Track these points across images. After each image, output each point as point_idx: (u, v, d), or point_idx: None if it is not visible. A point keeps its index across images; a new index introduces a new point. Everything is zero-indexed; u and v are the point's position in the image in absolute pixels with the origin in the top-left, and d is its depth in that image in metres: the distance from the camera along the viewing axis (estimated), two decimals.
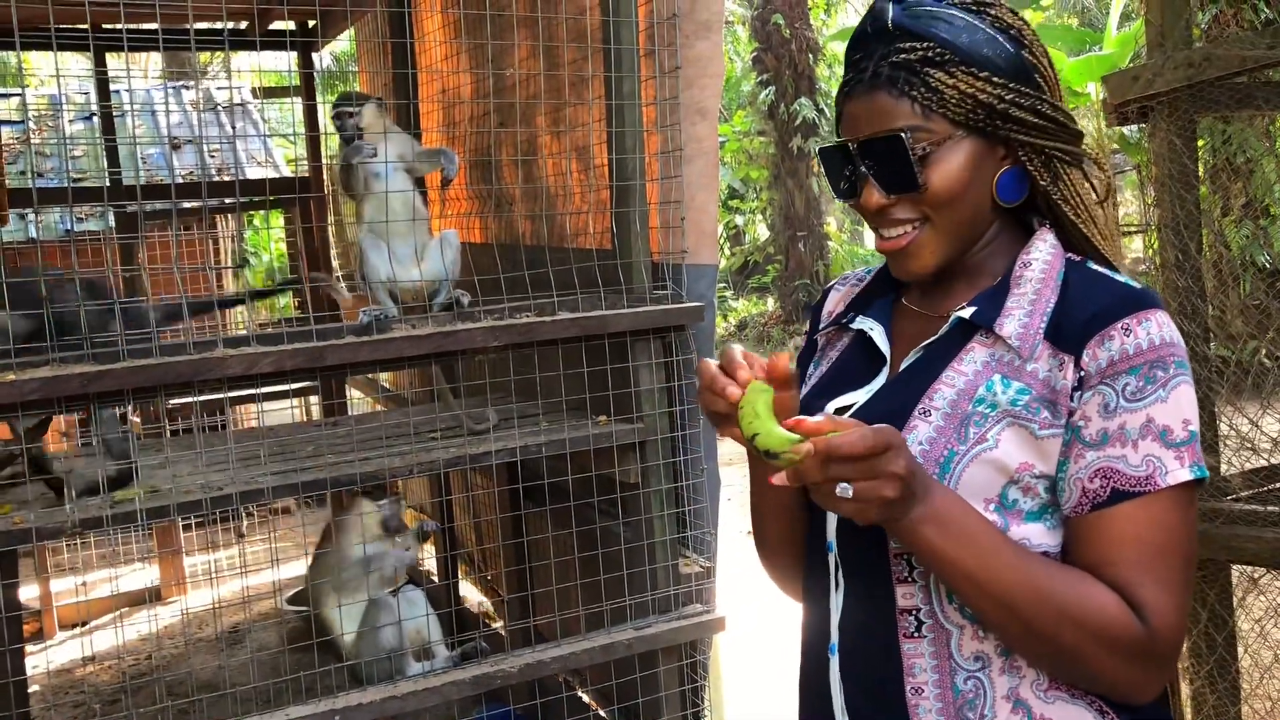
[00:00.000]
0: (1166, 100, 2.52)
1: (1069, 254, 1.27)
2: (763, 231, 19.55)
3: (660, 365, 2.95)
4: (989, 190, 1.25)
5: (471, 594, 4.94)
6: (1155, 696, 1.17)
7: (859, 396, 1.31)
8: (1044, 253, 1.26)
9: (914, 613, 1.20)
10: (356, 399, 6.31)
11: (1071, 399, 1.15)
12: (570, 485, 3.03)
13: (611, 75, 2.89)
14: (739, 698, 4.48)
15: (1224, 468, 2.63)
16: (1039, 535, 1.17)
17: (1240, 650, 2.78)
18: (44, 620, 5.43)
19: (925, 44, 1.21)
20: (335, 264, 5.87)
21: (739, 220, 19.55)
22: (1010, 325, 1.21)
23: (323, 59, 11.50)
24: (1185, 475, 1.12)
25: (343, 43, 9.09)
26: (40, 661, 4.83)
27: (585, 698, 3.55)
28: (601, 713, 3.38)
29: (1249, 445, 2.68)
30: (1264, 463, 2.71)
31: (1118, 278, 1.22)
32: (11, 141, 8.06)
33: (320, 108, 6.74)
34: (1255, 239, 8.27)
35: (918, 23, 1.22)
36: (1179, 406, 1.13)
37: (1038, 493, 1.17)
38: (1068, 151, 1.26)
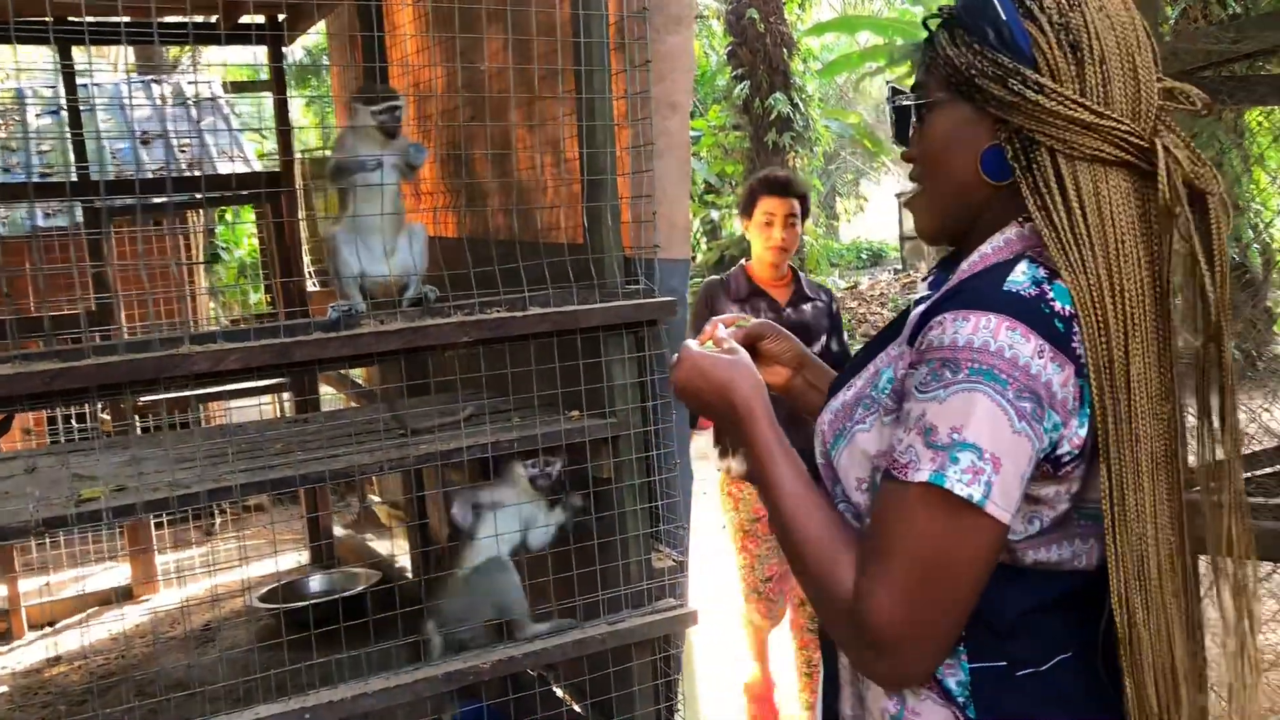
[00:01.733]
0: None
1: (1029, 252, 1.17)
2: (737, 226, 19.55)
3: (633, 360, 2.95)
4: (973, 163, 1.20)
5: None
6: (887, 685, 1.19)
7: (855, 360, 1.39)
8: (992, 244, 1.20)
9: None
10: (329, 395, 6.28)
11: (906, 383, 1.17)
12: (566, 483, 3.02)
13: (581, 69, 2.87)
14: (712, 691, 4.49)
15: (1192, 460, 2.65)
16: None
17: (1207, 639, 2.80)
18: (12, 621, 5.36)
19: (949, 6, 1.22)
20: (307, 259, 5.82)
21: (715, 215, 19.56)
22: (914, 314, 1.22)
23: (294, 53, 11.43)
24: (922, 477, 1.08)
25: (315, 36, 9.03)
26: (8, 662, 4.77)
27: (559, 692, 3.54)
28: (575, 707, 3.38)
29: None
30: None
31: (1012, 275, 1.13)
32: None
33: (290, 102, 6.70)
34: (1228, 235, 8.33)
35: None
36: (952, 412, 1.08)
37: None
38: (1066, 143, 1.14)
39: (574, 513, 3.05)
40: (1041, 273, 1.13)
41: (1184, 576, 1.19)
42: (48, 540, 5.80)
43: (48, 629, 5.46)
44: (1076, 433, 1.11)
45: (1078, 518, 1.19)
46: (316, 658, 2.62)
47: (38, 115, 8.87)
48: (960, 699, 1.17)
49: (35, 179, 7.50)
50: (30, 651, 5.02)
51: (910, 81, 1.32)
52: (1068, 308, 1.10)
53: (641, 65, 2.97)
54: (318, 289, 5.83)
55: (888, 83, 1.30)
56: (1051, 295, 1.11)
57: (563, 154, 3.33)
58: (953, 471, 1.07)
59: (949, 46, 1.21)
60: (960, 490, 1.06)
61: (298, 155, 5.55)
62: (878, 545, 1.13)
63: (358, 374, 5.64)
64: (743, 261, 4.38)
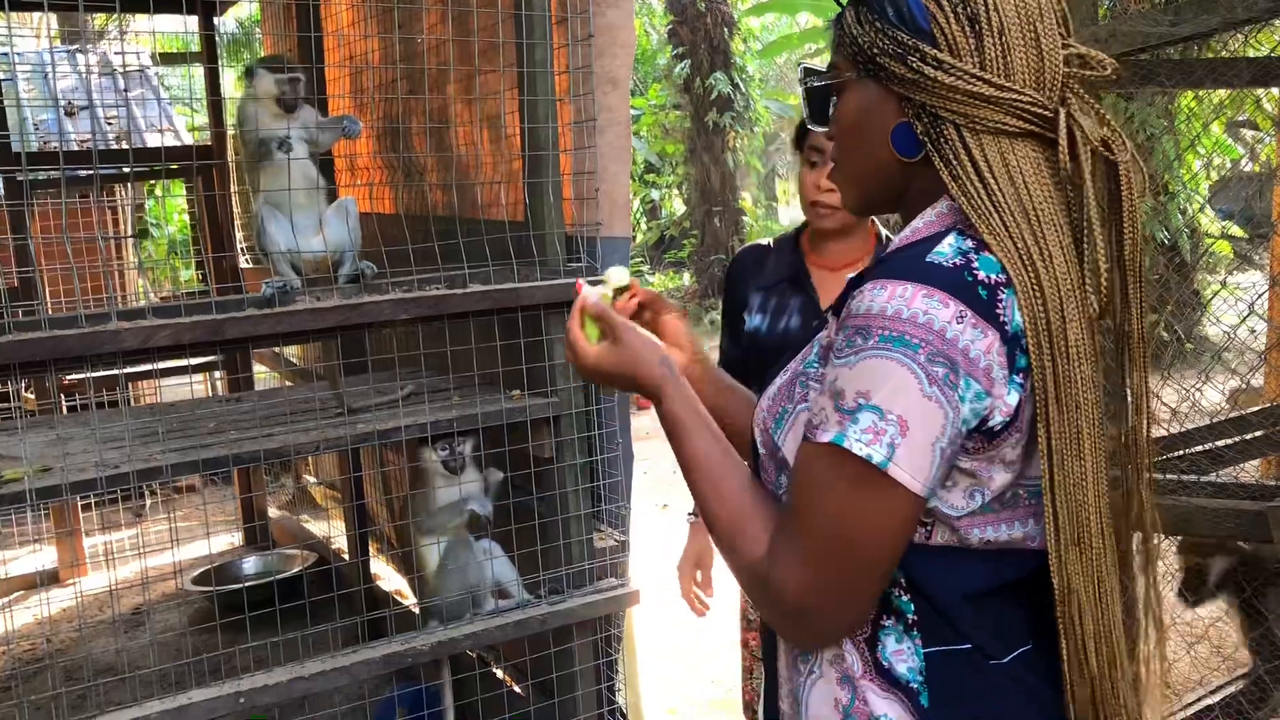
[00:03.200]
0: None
1: (959, 225, 1.15)
2: (679, 206, 19.57)
3: None
4: (885, 140, 1.19)
5: (383, 570, 4.87)
6: (801, 646, 1.22)
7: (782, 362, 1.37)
8: (925, 218, 1.19)
9: None
10: (262, 374, 6.17)
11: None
12: (484, 460, 2.99)
13: (523, 42, 2.83)
14: (652, 670, 4.50)
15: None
16: None
17: (1138, 613, 2.86)
18: None
19: None
20: (238, 235, 5.69)
21: (655, 195, 19.54)
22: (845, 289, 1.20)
23: (225, 24, 11.16)
24: (826, 437, 1.08)
25: (246, 7, 8.82)
26: None
27: (499, 674, 3.52)
28: (516, 688, 3.36)
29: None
30: (1163, 432, 2.78)
31: (938, 247, 1.12)
32: None
33: (223, 74, 6.53)
34: (1155, 216, 8.52)
35: None
36: (859, 377, 1.07)
37: None
38: (968, 117, 1.12)
39: (496, 489, 3.02)
40: (969, 244, 1.12)
41: (1119, 547, 1.18)
42: None
43: None
44: (1005, 401, 1.09)
45: (1026, 496, 1.17)
46: (251, 641, 2.57)
47: None
48: (914, 685, 1.15)
49: None
50: None
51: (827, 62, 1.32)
52: (994, 276, 1.09)
53: (584, 39, 2.93)
54: (250, 265, 5.71)
55: (799, 64, 1.29)
56: (977, 265, 1.10)
57: (503, 129, 3.28)
58: (853, 431, 1.06)
59: (854, 25, 1.20)
60: (859, 450, 1.06)
61: (229, 129, 5.41)
62: (789, 508, 1.14)
63: (292, 352, 5.55)
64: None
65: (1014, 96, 1.11)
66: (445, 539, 2.93)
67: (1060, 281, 1.09)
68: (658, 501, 6.77)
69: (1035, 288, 1.09)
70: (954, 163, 1.14)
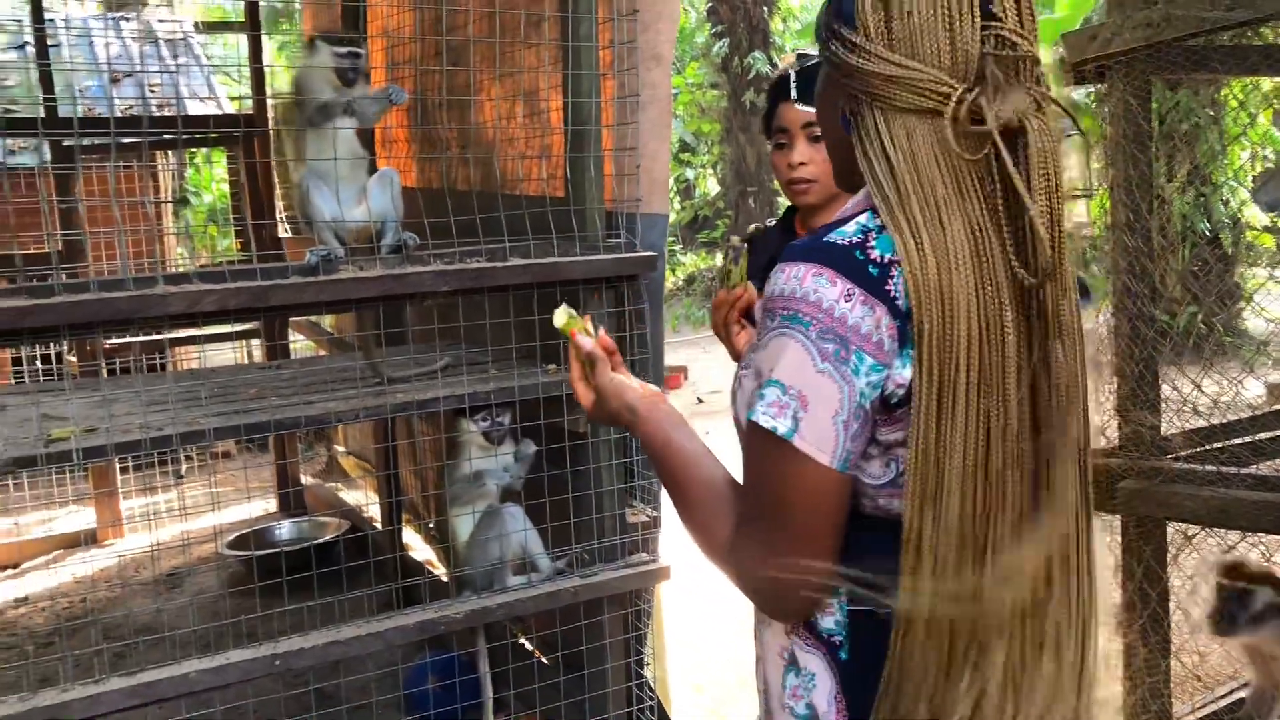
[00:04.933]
0: (1124, 60, 2.52)
1: (873, 207, 1.18)
2: (713, 186, 19.49)
3: (613, 314, 2.93)
4: (836, 120, 1.25)
5: (412, 540, 4.92)
6: (777, 618, 1.26)
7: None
8: (855, 199, 1.25)
9: None
10: (298, 343, 6.22)
11: None
12: (519, 433, 3.01)
13: (569, 16, 2.83)
14: (680, 649, 4.53)
15: (1165, 427, 2.68)
16: None
17: (1172, 605, 2.85)
18: None
19: None
20: (279, 204, 5.73)
21: (690, 174, 19.47)
22: None
23: None
24: (745, 414, 1.18)
25: None
26: None
27: (529, 645, 3.55)
28: (544, 660, 3.39)
29: (1190, 406, 2.73)
30: (1203, 423, 2.76)
31: (840, 229, 1.17)
32: None
33: (265, 42, 6.56)
34: (1197, 206, 8.40)
35: None
36: (767, 355, 1.15)
37: None
38: (877, 96, 1.16)
39: (529, 461, 3.04)
40: (875, 223, 1.16)
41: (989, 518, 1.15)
42: (10, 482, 5.72)
43: (10, 570, 5.41)
44: (900, 373, 1.13)
45: None
46: (288, 605, 2.61)
47: (2, 49, 8.64)
48: (836, 639, 1.23)
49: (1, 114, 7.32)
50: None
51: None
52: (888, 256, 1.13)
53: (629, 14, 2.92)
54: (289, 234, 5.75)
55: (794, 50, 1.38)
56: (873, 244, 1.14)
57: (546, 105, 3.28)
58: (760, 407, 1.14)
59: (823, 15, 1.26)
60: (766, 423, 1.13)
61: (270, 98, 5.45)
62: (744, 487, 1.23)
63: (327, 321, 5.59)
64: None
65: (916, 75, 1.14)
66: (477, 509, 2.96)
67: (953, 256, 1.11)
68: None
69: (920, 263, 1.11)
70: (864, 140, 1.18)
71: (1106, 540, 2.87)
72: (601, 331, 1.54)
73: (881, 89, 1.16)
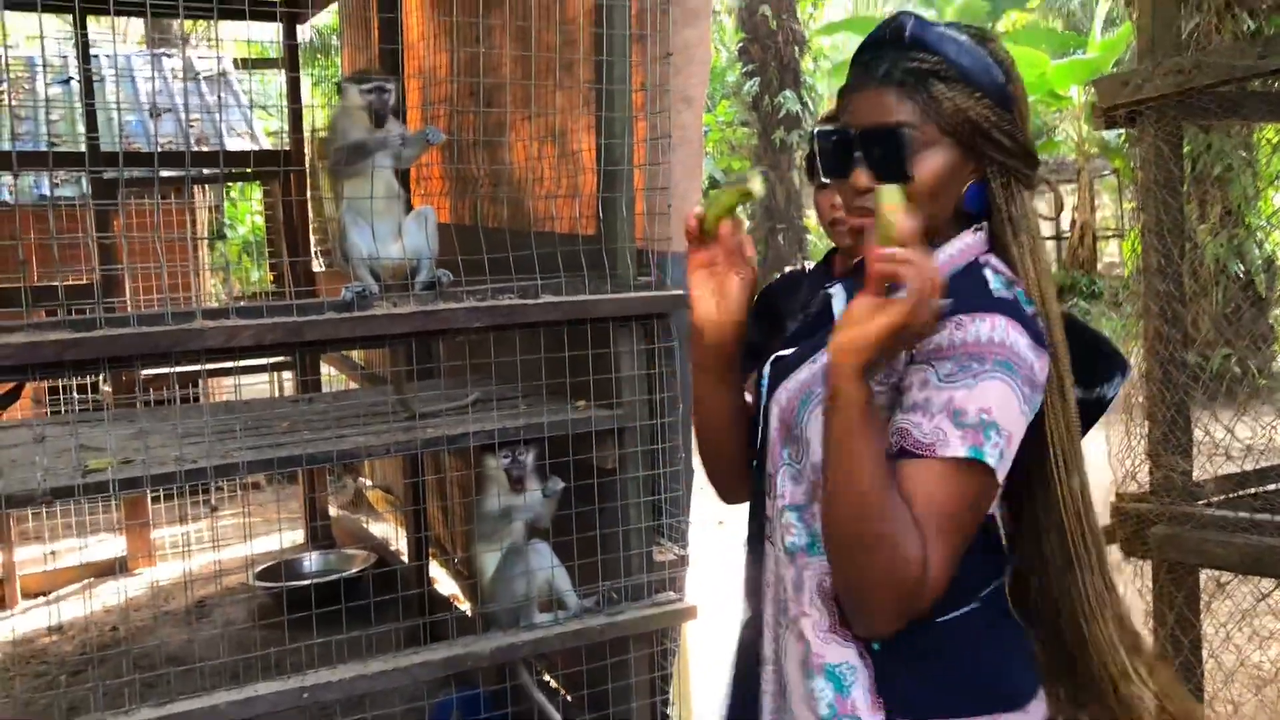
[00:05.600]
0: (1155, 106, 2.53)
1: (984, 255, 1.40)
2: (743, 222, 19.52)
3: (642, 352, 2.94)
4: (957, 196, 1.40)
5: (438, 574, 4.93)
6: (889, 632, 1.32)
7: (800, 348, 1.52)
8: (954, 247, 1.41)
9: (761, 527, 1.49)
10: (329, 376, 6.28)
11: (902, 368, 1.33)
12: (547, 469, 3.02)
13: (603, 59, 2.87)
14: (704, 689, 4.50)
15: (1197, 473, 2.66)
16: None
17: (1205, 654, 2.81)
18: (5, 589, 5.37)
19: (935, 58, 1.38)
20: (313, 239, 5.81)
21: None
22: None
23: (303, 32, 11.40)
24: (961, 452, 1.25)
25: (324, 16, 9.00)
26: (3, 630, 4.77)
27: (554, 683, 3.54)
28: (569, 698, 3.38)
29: (1223, 451, 2.71)
30: (1236, 469, 2.74)
31: (991, 284, 1.35)
32: None
33: (304, 80, 6.66)
34: (1230, 248, 8.35)
35: (930, 38, 1.39)
36: (981, 396, 1.26)
37: None
38: (1027, 175, 1.41)
39: (556, 497, 3.04)
40: (1004, 278, 1.36)
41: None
42: (44, 510, 5.79)
43: (40, 598, 5.46)
44: (1039, 405, 1.34)
45: None
46: (316, 638, 2.62)
47: (48, 84, 8.83)
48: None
49: (44, 148, 7.48)
50: (23, 620, 5.02)
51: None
52: (1031, 308, 1.34)
53: (662, 58, 2.96)
54: (323, 269, 5.82)
55: (820, 122, 1.63)
56: (1019, 298, 1.34)
57: (580, 144, 3.32)
58: (988, 447, 1.26)
59: (950, 97, 1.37)
60: (991, 461, 1.26)
61: (308, 134, 5.54)
62: (928, 519, 1.26)
63: (357, 354, 5.64)
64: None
65: (1034, 154, 1.40)
66: (503, 545, 2.97)
67: (1050, 309, 1.38)
68: (713, 518, 6.76)
69: (1052, 324, 1.36)
70: (1017, 217, 1.40)
71: (1138, 586, 2.85)
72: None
73: (1032, 168, 1.41)
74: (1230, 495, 2.64)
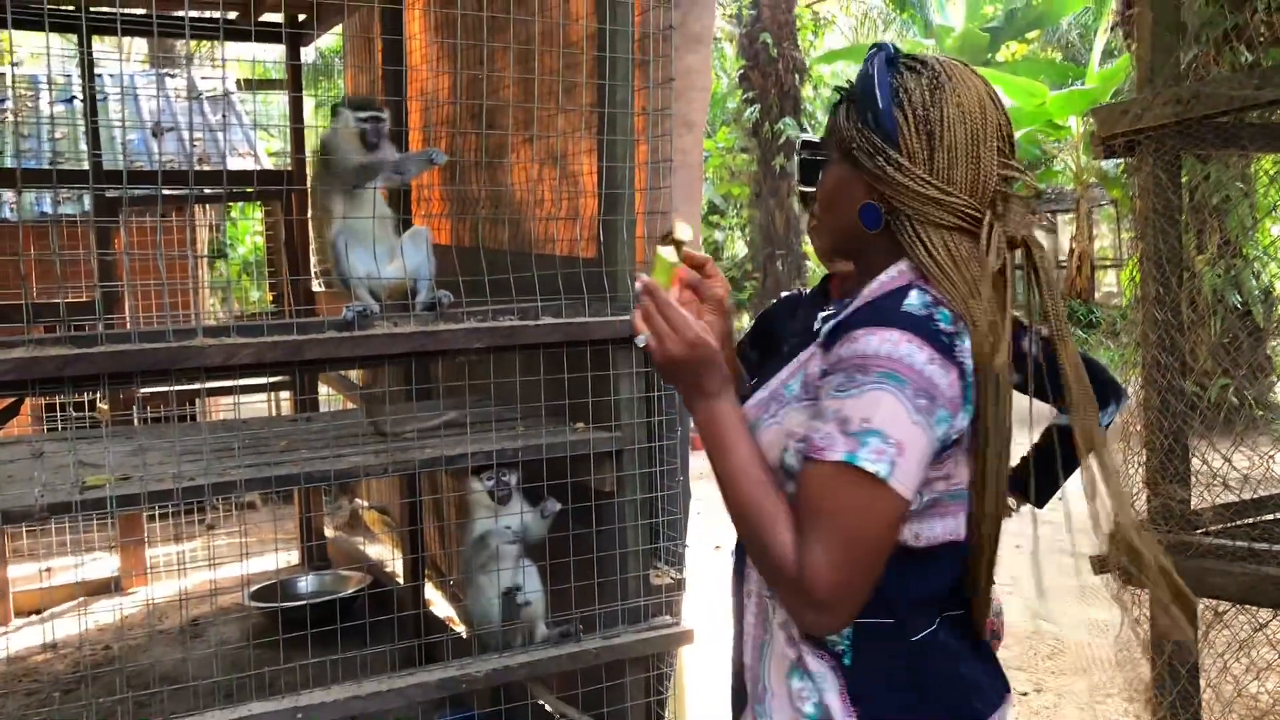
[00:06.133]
0: (1154, 135, 2.55)
1: (920, 279, 1.42)
2: (741, 248, 19.60)
3: (640, 374, 2.95)
4: (853, 213, 1.47)
5: (433, 595, 4.91)
6: (818, 633, 1.41)
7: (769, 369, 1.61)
8: (889, 274, 1.45)
9: (740, 544, 1.53)
10: (327, 395, 6.27)
11: (819, 383, 1.40)
12: (545, 491, 3.01)
13: (605, 83, 2.89)
14: (700, 711, 4.47)
15: (1195, 502, 2.66)
16: None
17: (1202, 684, 2.80)
18: None
19: (852, 85, 1.49)
20: (313, 259, 5.82)
21: (718, 236, 19.61)
22: (825, 329, 1.46)
23: (306, 54, 11.45)
24: (838, 456, 1.31)
25: (327, 38, 9.05)
26: None
27: (549, 706, 3.52)
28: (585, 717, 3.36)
29: (1220, 481, 2.71)
30: (1234, 498, 2.74)
31: (906, 300, 1.37)
32: None
33: (306, 102, 6.69)
34: (1227, 278, 8.37)
35: (865, 66, 1.47)
36: (862, 406, 1.31)
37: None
38: (917, 210, 1.41)
39: (550, 518, 3.03)
40: (929, 298, 1.38)
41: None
42: (38, 528, 5.77)
43: (34, 616, 5.44)
44: (961, 422, 1.37)
45: (948, 499, 1.43)
46: (308, 658, 2.61)
47: (51, 103, 8.87)
48: (840, 648, 1.41)
49: (46, 166, 7.50)
50: (17, 638, 4.99)
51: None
52: (950, 327, 1.36)
53: (664, 83, 2.98)
54: (323, 289, 5.83)
55: (799, 136, 1.71)
56: (938, 317, 1.36)
57: (581, 167, 3.34)
58: (863, 453, 1.30)
59: (844, 119, 1.48)
60: (869, 467, 1.30)
61: (310, 155, 5.56)
62: (808, 517, 1.35)
63: (355, 375, 5.64)
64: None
65: (952, 200, 1.40)
66: (488, 568, 2.96)
67: (991, 332, 1.38)
68: (711, 542, 6.74)
69: (982, 340, 1.37)
70: (911, 243, 1.42)
71: (1135, 615, 2.84)
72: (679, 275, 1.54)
73: (921, 206, 1.40)
74: (1228, 524, 2.64)
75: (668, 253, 1.52)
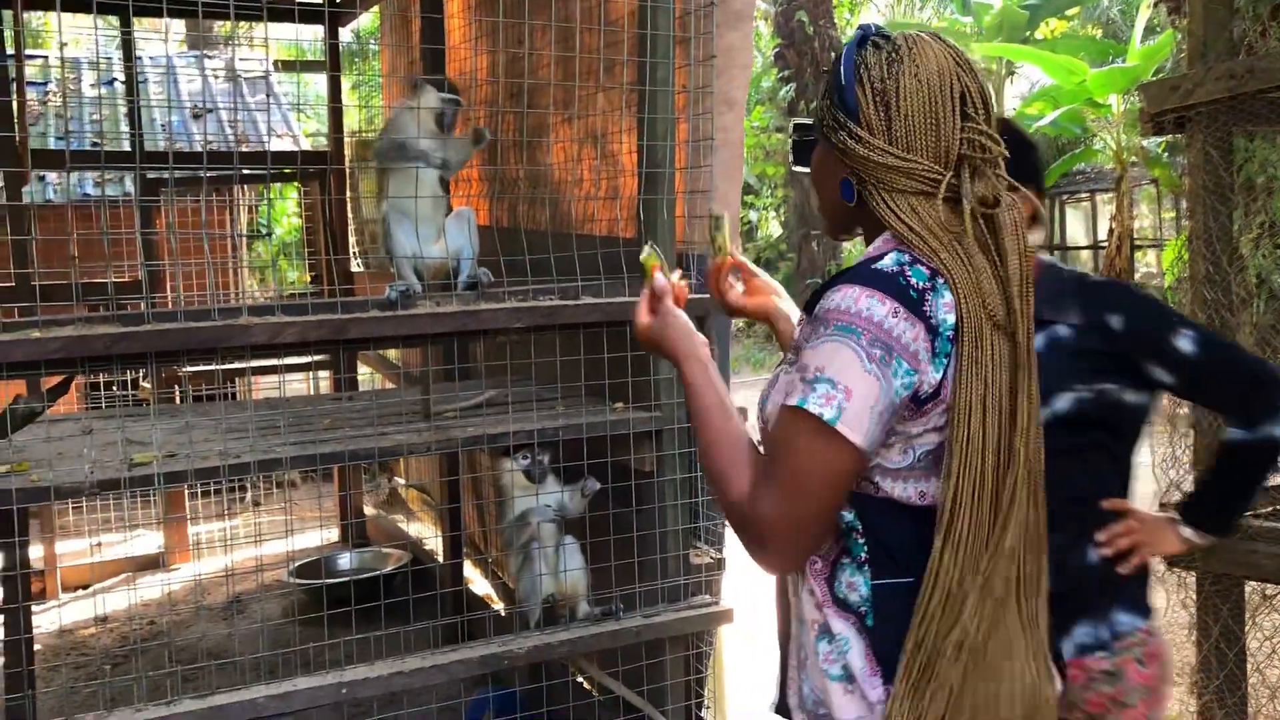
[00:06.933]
0: (1205, 111, 2.50)
1: (899, 247, 1.45)
2: (775, 228, 19.52)
3: None
4: (836, 188, 1.53)
5: (473, 574, 4.94)
6: (768, 571, 1.48)
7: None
8: (875, 244, 1.51)
9: None
10: (367, 375, 6.32)
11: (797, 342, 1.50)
12: (585, 470, 3.02)
13: (647, 61, 2.87)
14: (738, 694, 4.49)
15: None
16: None
17: (1249, 668, 2.77)
18: (46, 581, 5.43)
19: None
20: (352, 240, 5.85)
21: (752, 215, 19.53)
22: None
23: (343, 34, 11.48)
24: (792, 401, 1.38)
25: (362, 18, 9.06)
26: (42, 621, 4.83)
27: (587, 684, 3.55)
28: (603, 699, 3.38)
29: None
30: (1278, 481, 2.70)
31: (879, 261, 1.42)
32: (33, 103, 8.05)
33: (343, 82, 6.70)
34: (1273, 260, 8.22)
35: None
36: (819, 356, 1.38)
37: None
38: (880, 179, 1.45)
39: (589, 497, 3.04)
40: (906, 258, 1.42)
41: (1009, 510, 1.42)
42: (84, 504, 5.86)
43: (80, 591, 5.53)
44: (932, 378, 1.39)
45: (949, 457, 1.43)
46: (351, 634, 2.64)
47: (92, 85, 8.95)
48: (862, 608, 1.45)
49: (88, 147, 7.58)
50: (64, 612, 5.08)
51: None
52: (922, 284, 1.39)
53: (705, 60, 2.96)
54: (362, 269, 5.86)
55: (792, 118, 1.75)
56: (910, 274, 1.40)
57: (620, 147, 3.32)
58: (812, 398, 1.37)
59: (819, 99, 1.55)
60: (815, 410, 1.36)
61: (348, 136, 5.58)
62: (767, 462, 1.43)
63: (394, 354, 5.68)
64: None
65: (911, 165, 1.44)
66: (527, 545, 2.98)
67: (968, 292, 1.40)
68: None
69: (956, 295, 1.40)
70: (883, 212, 1.46)
71: (1181, 598, 2.81)
72: (678, 276, 1.70)
73: (884, 175, 1.45)
74: (1277, 506, 2.60)
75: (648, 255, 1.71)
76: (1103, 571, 1.96)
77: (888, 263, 1.42)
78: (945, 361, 1.40)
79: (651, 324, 1.64)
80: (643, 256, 1.70)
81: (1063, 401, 1.94)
